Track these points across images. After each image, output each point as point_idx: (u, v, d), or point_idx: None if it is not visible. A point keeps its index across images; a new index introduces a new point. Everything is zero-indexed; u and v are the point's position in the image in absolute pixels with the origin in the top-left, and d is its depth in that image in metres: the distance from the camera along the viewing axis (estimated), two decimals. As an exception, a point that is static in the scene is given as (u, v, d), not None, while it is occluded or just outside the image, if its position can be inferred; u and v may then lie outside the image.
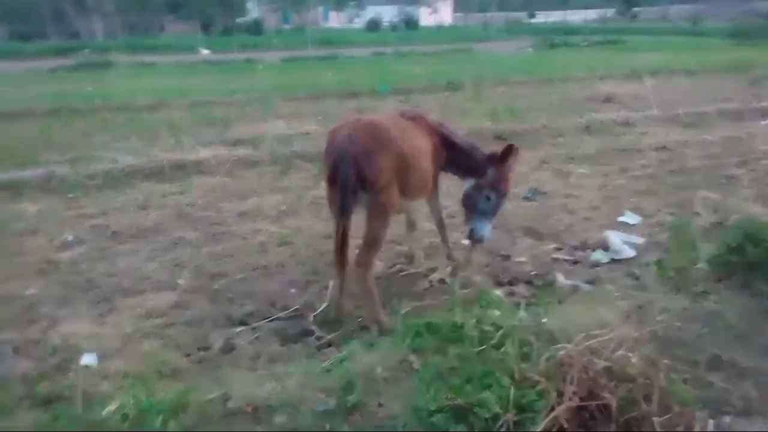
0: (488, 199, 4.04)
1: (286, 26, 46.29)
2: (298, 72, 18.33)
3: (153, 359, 3.27)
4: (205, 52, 29.58)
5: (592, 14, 53.77)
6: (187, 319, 3.77)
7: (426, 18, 49.36)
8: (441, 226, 4.41)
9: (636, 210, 5.59)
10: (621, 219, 5.38)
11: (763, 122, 9.54)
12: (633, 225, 5.26)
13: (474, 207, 4.09)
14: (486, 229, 4.08)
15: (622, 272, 4.21)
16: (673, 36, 32.77)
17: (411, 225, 4.46)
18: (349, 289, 3.82)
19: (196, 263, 4.58)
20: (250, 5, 50.30)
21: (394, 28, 42.63)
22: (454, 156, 4.09)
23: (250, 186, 6.62)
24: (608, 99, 11.61)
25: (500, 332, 2.88)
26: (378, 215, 3.52)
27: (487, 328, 2.91)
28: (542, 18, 55.70)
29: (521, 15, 56.06)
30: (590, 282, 4.10)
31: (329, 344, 3.45)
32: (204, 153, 7.74)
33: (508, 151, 3.99)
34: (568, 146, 8.21)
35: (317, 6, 46.77)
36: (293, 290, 4.13)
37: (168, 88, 14.67)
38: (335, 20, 53.54)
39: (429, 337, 3.02)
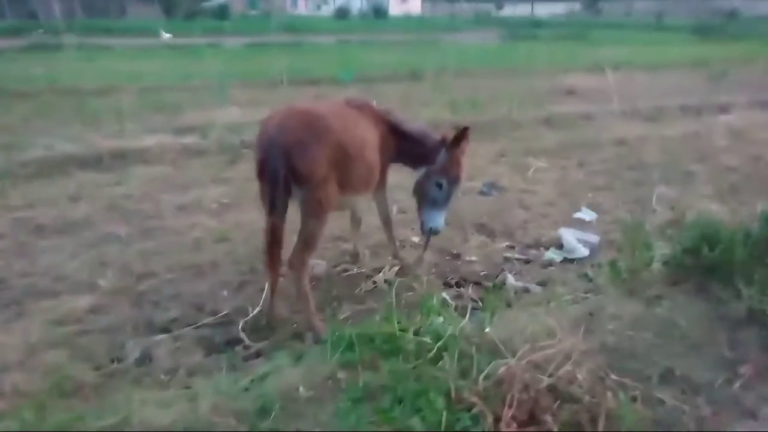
0: (440, 186, 3.75)
1: (253, 12, 45.28)
2: (259, 58, 17.77)
3: (57, 373, 2.92)
4: (166, 36, 28.56)
5: (559, 8, 54.12)
6: (103, 325, 3.42)
7: (395, 8, 48.94)
8: (387, 222, 4.14)
9: (593, 206, 5.43)
10: (577, 215, 5.21)
11: (721, 118, 9.53)
12: (589, 221, 5.09)
13: (425, 196, 3.80)
14: (439, 221, 3.81)
15: (575, 273, 4.02)
16: (637, 31, 33.05)
17: (356, 221, 4.19)
18: (285, 293, 3.54)
19: (122, 261, 4.22)
20: (214, -11, 49.05)
21: (362, 16, 42.10)
22: (404, 145, 3.79)
23: (193, 177, 6.24)
24: (570, 92, 11.52)
25: (439, 343, 2.63)
26: (313, 212, 3.23)
27: (426, 339, 2.66)
28: (510, 11, 55.82)
29: (489, 7, 56.07)
30: (541, 283, 3.90)
31: (257, 354, 3.16)
32: (147, 141, 7.31)
33: (461, 135, 3.71)
34: (528, 139, 8.03)
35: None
36: (225, 292, 3.82)
37: (121, 72, 14.00)
38: (303, 8, 52.68)
39: (362, 348, 2.76)
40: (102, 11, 40.22)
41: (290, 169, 3.08)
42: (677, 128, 8.74)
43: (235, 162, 6.81)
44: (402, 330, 2.85)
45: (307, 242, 3.24)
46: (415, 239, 4.64)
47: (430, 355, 2.58)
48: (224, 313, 3.54)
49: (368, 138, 3.52)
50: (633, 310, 3.08)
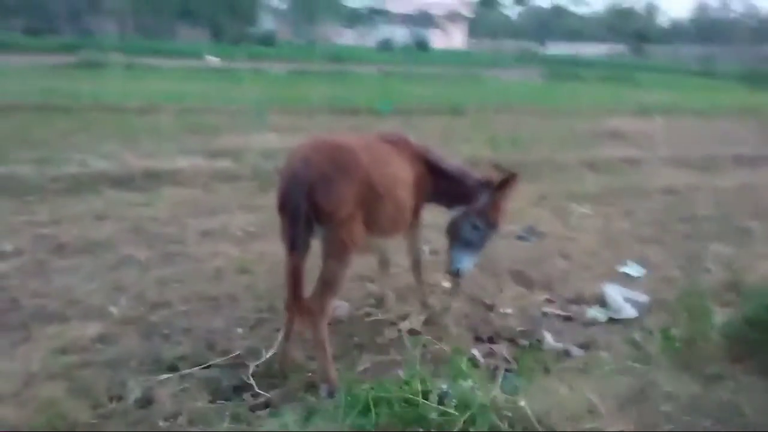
0: (475, 228, 3.46)
1: (299, 40, 46.20)
2: (301, 85, 17.92)
3: (51, 410, 2.71)
4: (212, 59, 29.26)
5: (603, 48, 53.68)
6: (108, 358, 3.21)
7: (438, 41, 49.29)
8: (417, 265, 3.86)
9: (639, 260, 5.05)
10: (622, 269, 4.84)
11: (778, 171, 9.02)
12: (635, 278, 4.71)
13: (458, 236, 3.51)
14: (467, 262, 3.52)
15: (621, 337, 3.65)
16: (684, 75, 32.41)
17: (384, 263, 3.93)
18: (302, 336, 3.28)
19: (138, 288, 4.04)
20: (263, 16, 50.30)
21: (405, 48, 42.47)
22: (443, 184, 3.53)
23: (222, 202, 6.09)
24: (615, 135, 11.12)
25: (466, 416, 2.33)
26: (336, 253, 2.98)
27: (450, 410, 2.36)
28: (553, 49, 55.68)
29: (533, 44, 56.04)
30: (583, 346, 3.55)
31: (266, 405, 2.89)
32: (181, 162, 7.24)
33: (508, 180, 3.45)
34: (570, 182, 7.69)
35: (330, 21, 46.71)
36: (240, 330, 3.58)
37: (165, 92, 14.21)
38: (349, 37, 53.58)
39: (380, 411, 2.47)
40: (153, 32, 41.54)
41: (312, 205, 2.85)
42: (730, 179, 8.27)
43: (266, 189, 6.62)
44: (425, 394, 2.56)
45: (328, 285, 2.98)
46: (446, 284, 4.34)
47: (456, 429, 2.28)
48: (236, 354, 3.29)
49: (401, 176, 3.28)
50: (689, 389, 2.72)
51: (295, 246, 2.90)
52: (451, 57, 38.85)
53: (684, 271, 4.85)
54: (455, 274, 3.60)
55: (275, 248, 4.67)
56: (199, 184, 6.69)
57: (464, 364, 2.67)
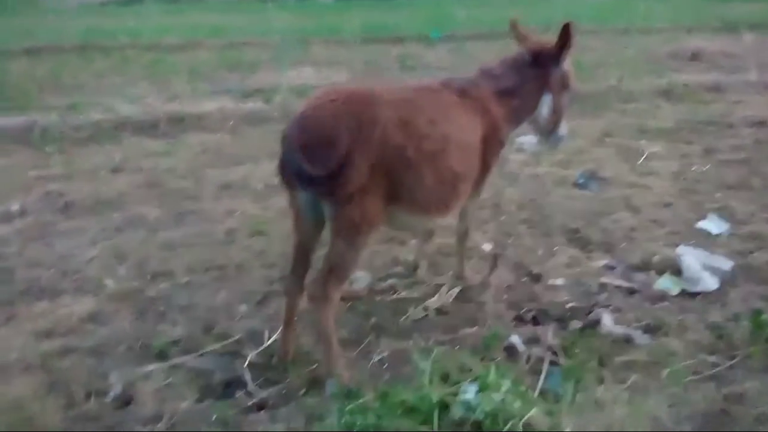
0: (554, 108, 3.06)
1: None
2: (348, 13, 16.92)
3: (18, 412, 2.38)
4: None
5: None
6: (94, 342, 2.85)
7: (499, -43, 46.03)
8: (464, 236, 3.25)
9: (723, 212, 4.25)
10: (701, 225, 4.07)
11: None
12: (717, 235, 3.95)
13: (558, 121, 3.13)
14: (563, 131, 3.21)
15: (698, 317, 2.98)
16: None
17: (427, 233, 3.35)
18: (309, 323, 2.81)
19: (141, 254, 3.66)
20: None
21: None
22: (515, 106, 2.94)
23: (247, 149, 5.61)
24: (695, 57, 9.80)
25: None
26: (344, 234, 2.39)
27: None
28: (628, -40, 51.02)
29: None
30: (650, 330, 2.90)
31: (260, 406, 2.46)
32: (208, 105, 6.77)
33: (563, 36, 2.87)
34: (641, 115, 6.74)
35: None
36: (244, 307, 3.15)
37: (206, 26, 13.67)
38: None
39: (394, 421, 2.00)
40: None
41: (310, 177, 2.28)
42: (834, 107, 7.07)
43: (296, 132, 6.11)
44: (443, 405, 2.05)
45: (334, 270, 2.43)
46: (487, 247, 3.74)
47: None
48: (235, 338, 2.86)
49: (457, 137, 2.57)
50: (794, 407, 2.08)
51: (300, 223, 2.38)
52: (511, -26, 36.17)
53: (779, 226, 4.04)
54: (556, 147, 3.36)
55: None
56: (226, 128, 6.23)
57: (493, 374, 2.11)
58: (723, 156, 5.46)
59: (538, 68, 2.95)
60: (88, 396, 2.52)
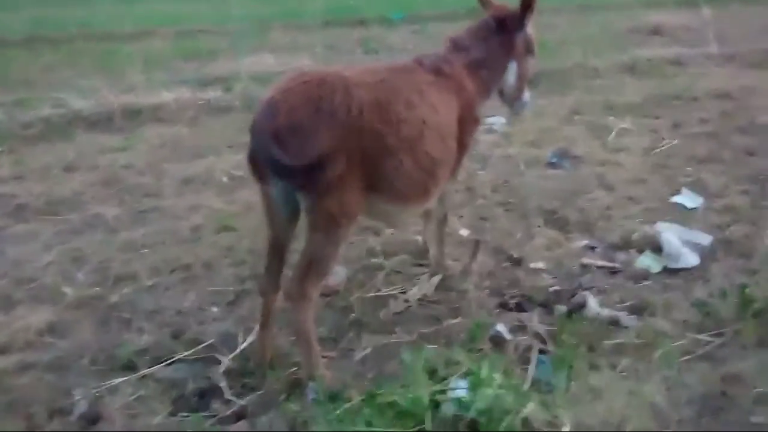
0: (518, 74, 3.01)
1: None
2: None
3: (-29, 438, 2.19)
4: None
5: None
6: (54, 356, 2.65)
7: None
8: (443, 222, 3.12)
9: (696, 186, 4.24)
10: (676, 200, 4.05)
11: None
12: (692, 209, 3.94)
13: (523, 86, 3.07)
14: (526, 97, 3.16)
15: (683, 294, 2.94)
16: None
17: (439, 219, 3.15)
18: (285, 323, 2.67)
19: (102, 257, 3.45)
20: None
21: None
22: (485, 78, 2.86)
23: (208, 140, 5.37)
24: (656, 31, 9.84)
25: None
26: (322, 227, 2.25)
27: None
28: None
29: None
30: (636, 310, 2.85)
31: (238, 416, 2.31)
32: (165, 96, 6.46)
33: (529, 1, 2.80)
34: (607, 91, 6.71)
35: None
36: (215, 309, 2.98)
37: (161, 14, 13.17)
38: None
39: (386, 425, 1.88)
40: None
41: (283, 168, 2.13)
42: (792, 76, 7.18)
43: (259, 121, 5.89)
44: (434, 402, 1.95)
45: (311, 267, 2.28)
46: (464, 233, 3.64)
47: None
48: (207, 343, 2.69)
49: (435, 120, 2.45)
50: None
51: (273, 218, 2.22)
52: (468, -46, 36.02)
53: (751, 197, 4.05)
54: (520, 113, 3.31)
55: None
56: (185, 119, 5.96)
57: (486, 369, 2.01)
58: (691, 129, 5.47)
59: (504, 34, 2.86)
60: (50, 416, 2.34)
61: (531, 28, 2.98)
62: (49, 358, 2.64)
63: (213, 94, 6.61)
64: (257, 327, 2.62)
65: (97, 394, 2.42)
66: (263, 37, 9.76)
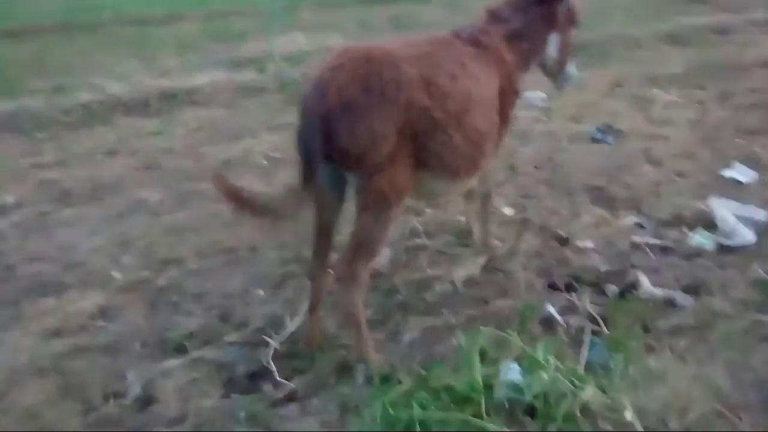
0: (562, 44, 2.90)
1: None
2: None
3: (33, 420, 2.24)
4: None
5: None
6: (107, 340, 2.70)
7: None
8: (487, 199, 3.08)
9: (747, 159, 4.09)
10: (728, 174, 3.91)
11: None
12: (745, 184, 3.79)
13: (566, 59, 2.96)
14: (572, 70, 3.04)
15: (739, 272, 2.84)
16: None
17: (484, 196, 3.11)
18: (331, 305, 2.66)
19: (147, 241, 3.48)
20: None
21: None
22: (526, 49, 2.75)
23: (245, 122, 5.38)
24: (699, -2, 9.49)
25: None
26: (372, 207, 2.22)
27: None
28: None
29: None
30: (690, 290, 2.76)
31: (290, 398, 2.32)
32: (200, 79, 6.49)
33: None
34: (649, 63, 6.50)
35: None
36: (261, 292, 2.99)
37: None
38: None
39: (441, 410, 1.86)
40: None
41: (334, 147, 2.10)
42: None
43: (294, 102, 5.82)
44: (487, 387, 1.92)
45: (362, 248, 2.27)
46: (508, 212, 3.57)
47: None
48: (254, 327, 2.71)
49: (479, 92, 2.39)
50: None
51: (320, 200, 2.19)
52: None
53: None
54: (564, 87, 3.14)
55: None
56: (221, 102, 5.98)
57: (541, 352, 1.97)
58: (739, 100, 5.26)
59: (544, 5, 2.74)
60: (106, 398, 2.38)
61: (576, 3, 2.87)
62: (101, 342, 2.68)
63: (246, 75, 6.61)
64: (305, 310, 2.62)
65: (151, 377, 2.45)
66: (293, 17, 9.67)
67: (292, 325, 2.67)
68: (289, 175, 4.11)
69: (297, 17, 9.70)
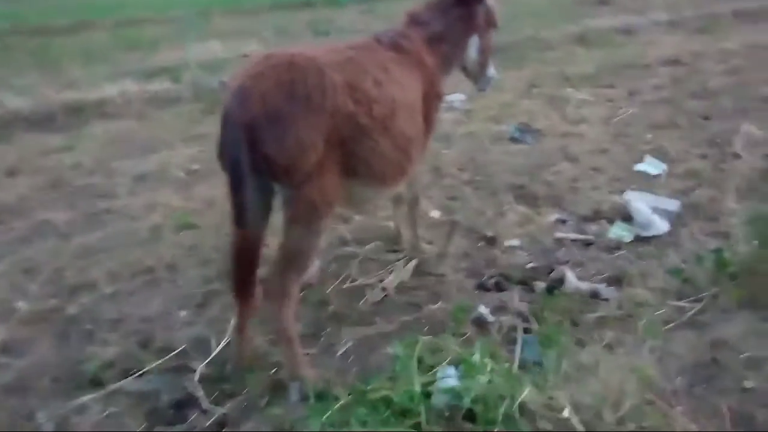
0: (481, 48, 2.94)
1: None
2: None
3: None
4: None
5: None
6: (12, 377, 2.46)
7: None
8: (414, 205, 3.05)
9: (657, 152, 4.29)
10: (640, 167, 4.09)
11: (786, 23, 8.08)
12: (656, 176, 3.97)
13: (486, 61, 3.01)
14: (492, 72, 3.10)
15: (657, 262, 2.95)
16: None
17: (411, 201, 3.07)
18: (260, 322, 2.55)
19: (55, 266, 3.22)
20: None
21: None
22: (446, 52, 2.77)
23: (160, 134, 5.13)
24: (603, 1, 9.97)
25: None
26: (302, 218, 2.15)
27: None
28: None
29: None
30: (614, 281, 2.85)
31: (220, 424, 2.19)
32: (110, 89, 6.14)
33: None
34: (561, 63, 6.74)
35: None
36: (183, 312, 2.83)
37: (97, 4, 12.54)
38: None
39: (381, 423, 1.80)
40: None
41: (260, 157, 1.99)
42: (736, 39, 7.37)
43: (212, 111, 5.64)
44: (425, 395, 1.88)
45: (292, 261, 2.18)
46: (435, 214, 3.57)
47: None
48: (178, 350, 2.55)
49: (404, 97, 2.37)
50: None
51: (242, 216, 2.08)
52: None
53: (710, 160, 4.12)
54: (486, 88, 3.20)
55: (225, 190, 3.85)
56: (133, 113, 5.68)
57: (478, 355, 1.95)
58: (646, 97, 5.54)
59: (464, 8, 2.76)
60: (14, 442, 2.17)
61: (493, 0, 2.91)
62: (6, 380, 2.44)
63: (160, 85, 6.31)
64: (232, 329, 2.49)
65: (64, 415, 2.25)
66: (207, 24, 9.40)
67: (218, 347, 2.54)
68: (208, 188, 3.98)
69: (211, 24, 9.43)
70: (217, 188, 3.97)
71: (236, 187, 2.06)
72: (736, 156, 4.11)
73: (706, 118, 4.92)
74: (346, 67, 2.18)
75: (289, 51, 2.19)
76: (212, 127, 5.09)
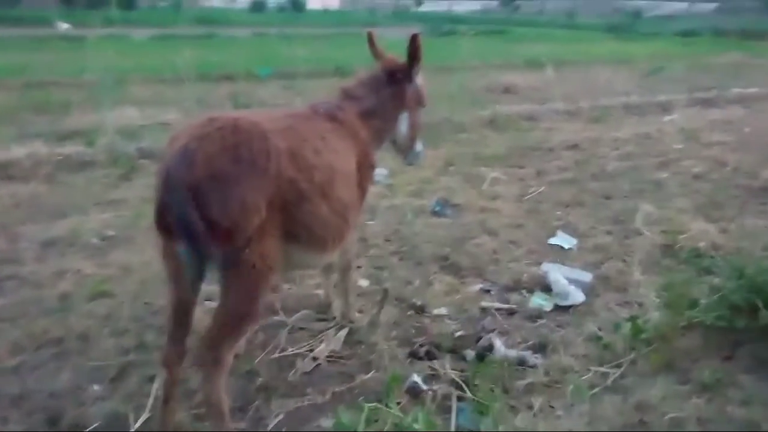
0: (410, 123, 3.05)
1: (162, 2, 42.29)
2: (166, 51, 15.99)
3: None
4: (64, 26, 25.69)
5: (476, 5, 54.35)
6: None
7: (314, 1, 47.41)
8: (347, 271, 3.07)
9: (567, 228, 4.58)
10: (553, 241, 4.34)
11: (666, 118, 9.07)
12: (568, 249, 4.23)
13: (415, 137, 3.13)
14: (419, 147, 3.22)
15: (576, 330, 3.10)
16: (551, 29, 33.37)
17: (342, 268, 3.09)
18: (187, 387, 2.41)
19: (-52, 338, 2.91)
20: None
21: (279, 9, 40.31)
22: (378, 127, 2.88)
23: (72, 198, 4.87)
24: (508, 90, 10.80)
25: None
26: (241, 284, 2.09)
27: None
28: (429, 7, 55.60)
29: (409, 2, 55.65)
30: (538, 348, 2.95)
31: None
32: (17, 151, 5.81)
33: (412, 48, 2.84)
34: (474, 144, 7.15)
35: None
36: (96, 386, 2.61)
37: (4, 65, 11.99)
38: (216, -1, 50.02)
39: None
40: (-8, 0, 36.19)
41: (203, 220, 1.94)
42: (626, 129, 8.15)
43: (128, 177, 5.48)
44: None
45: (228, 328, 2.11)
46: (364, 283, 3.59)
47: None
48: (91, 428, 2.34)
49: (340, 165, 2.43)
50: (693, 406, 2.19)
51: (179, 278, 1.99)
52: (327, 17, 37.63)
53: (615, 236, 4.45)
54: (414, 163, 3.35)
55: (144, 258, 3.70)
56: (42, 177, 5.38)
57: (421, 422, 1.94)
58: (553, 177, 5.95)
59: (394, 86, 2.91)
60: None
61: (421, 80, 3.09)
62: None
63: (72, 148, 6.06)
64: (152, 403, 2.33)
65: (-48, 507, 1.98)
66: (123, 91, 9.22)
67: (137, 423, 2.36)
68: (124, 255, 3.80)
69: (128, 91, 9.26)
70: (135, 254, 3.82)
71: (192, 245, 1.98)
72: (638, 232, 4.46)
73: (608, 197, 5.35)
74: (287, 134, 2.23)
75: (232, 115, 2.22)
76: (129, 192, 5.05)
